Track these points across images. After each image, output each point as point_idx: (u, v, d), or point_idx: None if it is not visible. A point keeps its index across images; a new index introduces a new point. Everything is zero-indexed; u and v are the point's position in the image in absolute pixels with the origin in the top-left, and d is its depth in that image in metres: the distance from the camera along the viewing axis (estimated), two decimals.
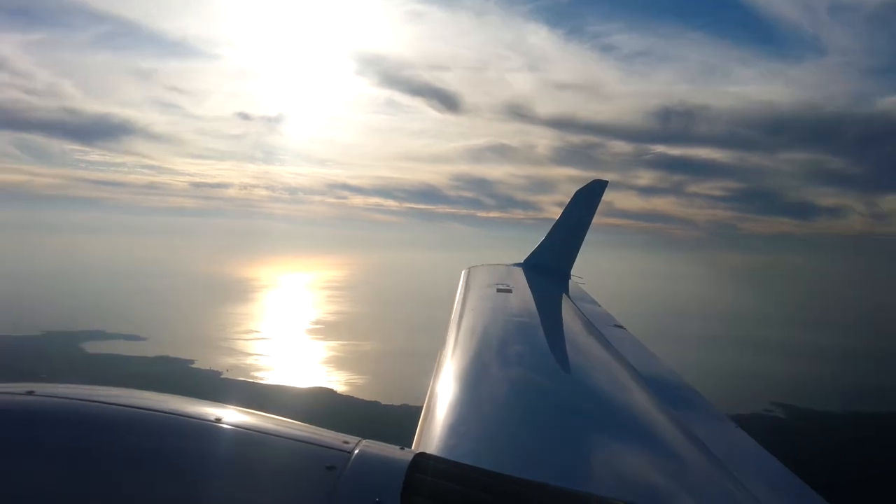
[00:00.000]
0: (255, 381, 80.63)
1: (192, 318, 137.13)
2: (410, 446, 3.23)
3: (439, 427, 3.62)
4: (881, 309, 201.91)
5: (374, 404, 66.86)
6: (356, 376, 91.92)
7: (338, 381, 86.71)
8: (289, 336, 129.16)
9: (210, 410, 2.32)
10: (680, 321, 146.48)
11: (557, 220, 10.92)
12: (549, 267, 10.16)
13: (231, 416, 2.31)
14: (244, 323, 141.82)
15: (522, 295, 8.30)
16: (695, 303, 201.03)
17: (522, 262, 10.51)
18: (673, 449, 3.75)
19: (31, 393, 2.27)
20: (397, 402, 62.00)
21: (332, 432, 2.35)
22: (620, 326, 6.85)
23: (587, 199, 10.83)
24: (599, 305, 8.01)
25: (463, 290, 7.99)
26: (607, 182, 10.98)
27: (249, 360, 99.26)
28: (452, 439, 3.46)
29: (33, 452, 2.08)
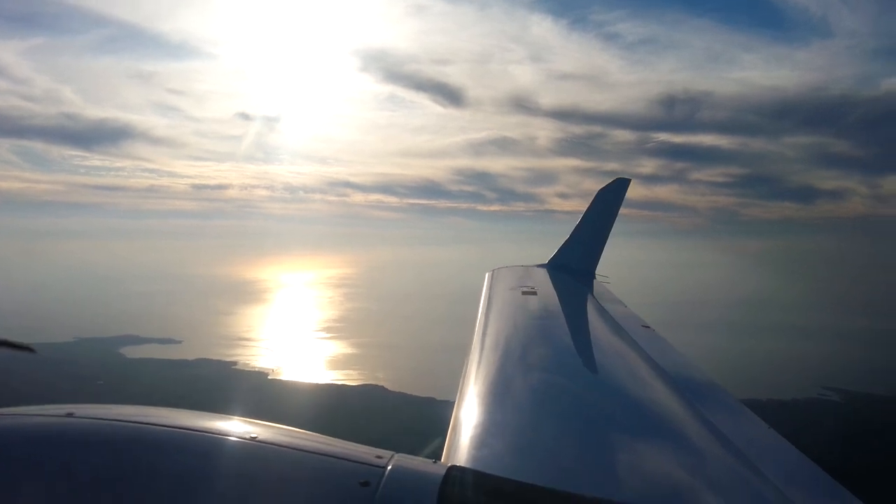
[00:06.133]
0: (303, 381, 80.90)
1: (216, 321, 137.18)
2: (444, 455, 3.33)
3: (470, 438, 3.54)
4: (890, 289, 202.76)
5: (430, 400, 66.89)
6: (396, 372, 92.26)
7: (383, 378, 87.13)
8: (315, 335, 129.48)
9: (247, 428, 2.36)
10: (696, 310, 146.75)
11: (581, 220, 10.74)
12: (574, 267, 10.05)
13: (266, 432, 2.35)
14: (268, 324, 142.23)
15: (547, 297, 8.21)
16: (707, 290, 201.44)
17: (546, 262, 10.38)
18: (704, 452, 3.76)
19: (70, 415, 2.30)
20: (453, 398, 61.91)
21: (364, 447, 2.36)
22: (647, 326, 6.76)
23: (610, 198, 10.68)
24: (625, 305, 7.90)
25: (487, 293, 7.88)
26: (630, 180, 10.86)
27: (287, 360, 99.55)
28: (483, 450, 3.39)
29: (74, 475, 2.08)
